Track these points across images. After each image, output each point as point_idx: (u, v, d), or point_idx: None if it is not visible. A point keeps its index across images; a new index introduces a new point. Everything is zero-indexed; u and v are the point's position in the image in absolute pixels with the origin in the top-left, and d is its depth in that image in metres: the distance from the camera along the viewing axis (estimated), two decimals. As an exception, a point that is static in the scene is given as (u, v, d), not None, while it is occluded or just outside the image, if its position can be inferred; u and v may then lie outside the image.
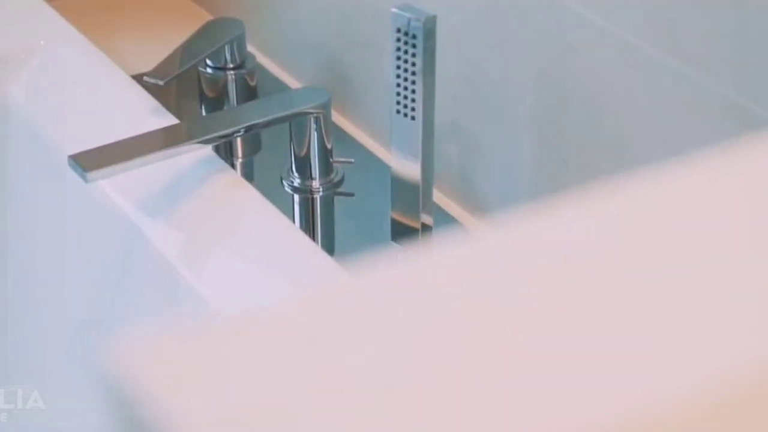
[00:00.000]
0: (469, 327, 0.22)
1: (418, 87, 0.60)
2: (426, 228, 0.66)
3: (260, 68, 0.85)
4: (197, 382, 0.18)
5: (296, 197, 0.75)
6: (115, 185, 0.71)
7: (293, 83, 0.87)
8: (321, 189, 0.74)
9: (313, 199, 0.74)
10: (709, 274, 0.24)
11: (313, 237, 0.73)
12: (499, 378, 0.20)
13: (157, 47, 0.83)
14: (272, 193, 0.72)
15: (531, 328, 0.22)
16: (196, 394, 0.17)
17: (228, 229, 0.71)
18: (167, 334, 0.19)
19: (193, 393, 0.17)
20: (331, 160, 0.74)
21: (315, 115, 0.71)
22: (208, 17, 0.89)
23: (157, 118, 0.77)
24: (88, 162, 0.65)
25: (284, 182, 0.74)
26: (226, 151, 0.78)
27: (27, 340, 0.89)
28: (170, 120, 0.76)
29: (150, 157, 0.68)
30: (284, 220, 0.70)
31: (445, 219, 0.72)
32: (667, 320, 0.22)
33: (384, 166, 0.75)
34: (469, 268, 0.25)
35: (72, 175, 0.66)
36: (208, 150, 0.73)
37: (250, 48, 0.83)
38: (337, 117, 0.78)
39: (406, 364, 0.21)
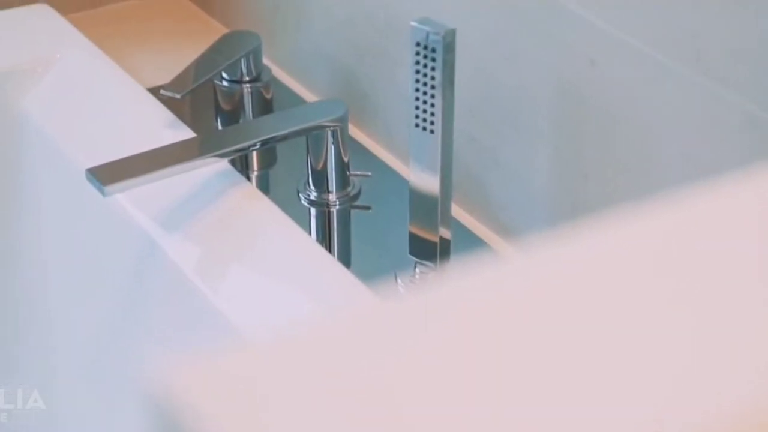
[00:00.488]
0: (504, 355, 0.22)
1: (438, 101, 0.60)
2: (444, 242, 0.65)
3: (276, 81, 0.85)
4: (243, 408, 0.17)
5: (313, 210, 0.75)
6: (132, 198, 0.72)
7: (309, 96, 0.87)
8: (338, 202, 0.74)
9: (329, 212, 0.74)
10: (740, 302, 0.24)
11: (329, 250, 0.73)
12: (533, 406, 0.20)
13: (173, 60, 0.83)
14: (288, 207, 0.72)
15: (561, 356, 0.22)
16: (241, 420, 0.17)
17: (245, 243, 0.71)
18: (214, 360, 0.18)
19: (237, 419, 0.17)
20: (348, 173, 0.74)
21: (332, 128, 0.71)
22: (224, 30, 0.89)
23: (173, 131, 0.77)
24: (105, 175, 0.66)
25: (301, 195, 0.74)
26: (241, 164, 0.78)
27: (39, 354, 0.89)
28: (187, 133, 0.76)
29: (167, 171, 0.68)
30: (301, 233, 0.70)
31: (462, 233, 0.71)
32: (697, 351, 0.22)
33: (400, 179, 0.75)
34: (501, 293, 0.25)
35: (88, 188, 0.66)
36: (224, 163, 0.73)
37: (266, 61, 0.83)
38: (353, 130, 0.78)
39: (443, 392, 0.21)
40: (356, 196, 0.75)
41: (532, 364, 0.22)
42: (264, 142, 0.73)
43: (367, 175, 0.76)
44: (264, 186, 0.80)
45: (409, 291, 0.66)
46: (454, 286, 0.27)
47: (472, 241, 0.71)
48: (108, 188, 0.65)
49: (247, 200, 0.72)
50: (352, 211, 0.75)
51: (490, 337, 0.23)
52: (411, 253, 0.67)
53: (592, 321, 0.23)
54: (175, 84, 0.77)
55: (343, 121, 0.72)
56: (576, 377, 0.21)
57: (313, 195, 0.74)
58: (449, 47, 0.59)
